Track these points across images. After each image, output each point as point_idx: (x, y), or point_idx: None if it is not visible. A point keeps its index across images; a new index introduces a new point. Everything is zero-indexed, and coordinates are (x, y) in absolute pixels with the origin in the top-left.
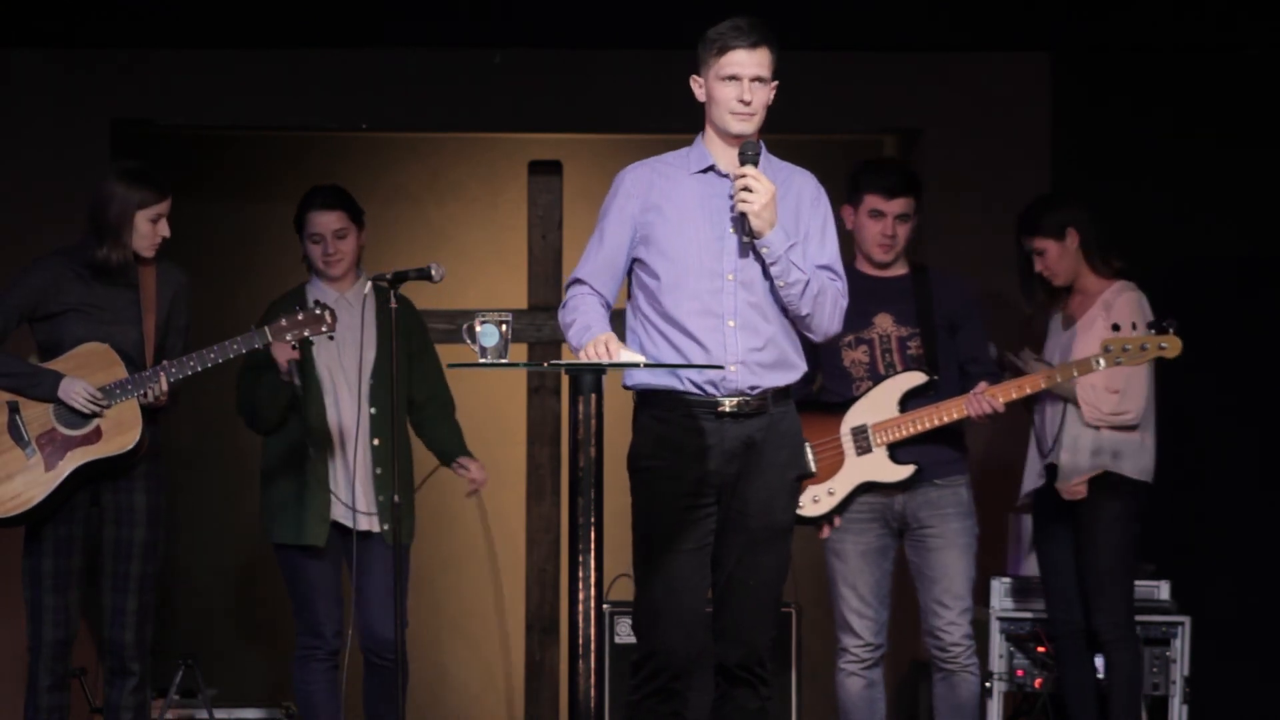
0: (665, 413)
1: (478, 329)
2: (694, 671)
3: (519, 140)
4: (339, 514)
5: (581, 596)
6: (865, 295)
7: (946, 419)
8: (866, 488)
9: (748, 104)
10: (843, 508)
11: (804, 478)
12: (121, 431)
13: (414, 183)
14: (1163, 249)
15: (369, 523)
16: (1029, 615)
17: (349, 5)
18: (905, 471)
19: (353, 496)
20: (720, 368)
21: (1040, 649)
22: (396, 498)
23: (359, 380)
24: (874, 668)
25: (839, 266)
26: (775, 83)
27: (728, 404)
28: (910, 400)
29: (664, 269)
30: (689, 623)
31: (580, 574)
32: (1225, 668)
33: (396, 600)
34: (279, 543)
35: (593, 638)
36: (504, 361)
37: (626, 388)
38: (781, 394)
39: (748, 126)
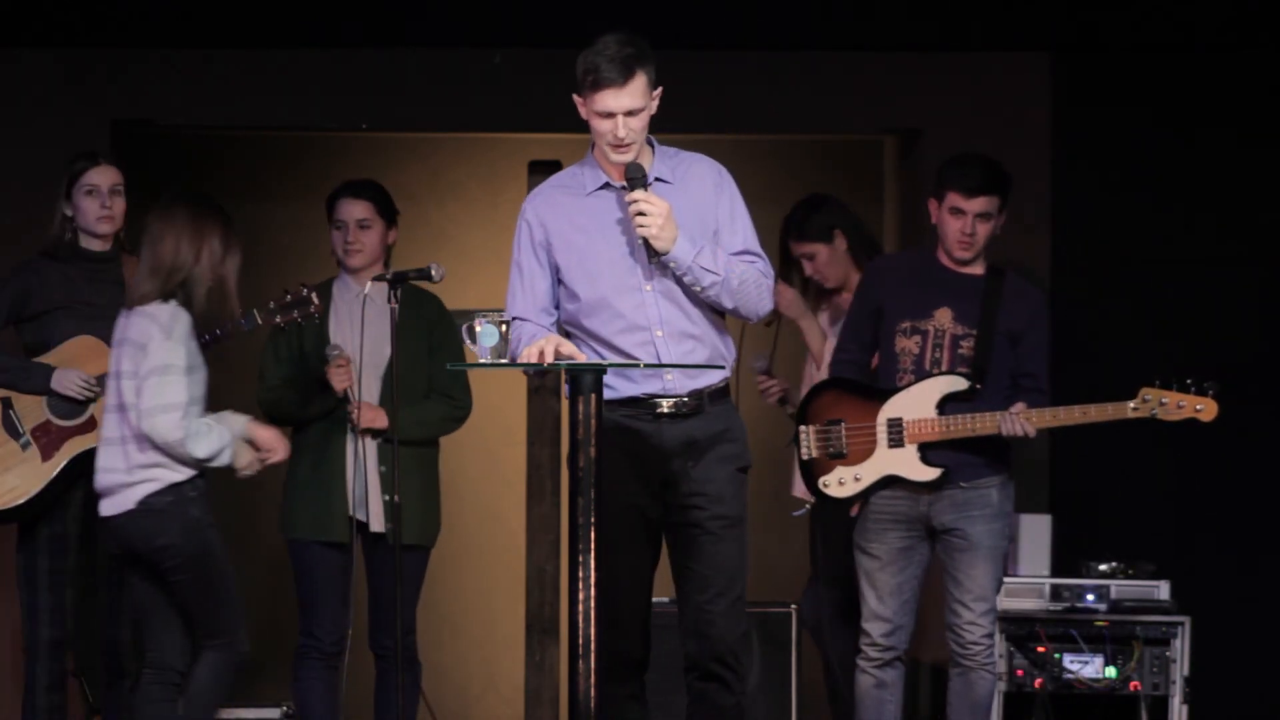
0: (605, 414)
1: (478, 329)
2: (648, 662)
3: (519, 140)
4: (358, 510)
5: (581, 596)
6: (933, 286)
7: (979, 431)
8: (892, 480)
9: (621, 139)
10: (866, 496)
11: (747, 470)
12: None
13: (414, 183)
14: (1162, 249)
15: (376, 522)
16: (1029, 615)
17: (349, 5)
18: (932, 474)
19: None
20: (722, 368)
21: (1040, 649)
22: (397, 498)
23: (375, 378)
24: (885, 668)
25: (755, 245)
26: (658, 92)
27: (665, 404)
28: (949, 403)
29: (583, 291)
30: (635, 620)
31: (580, 574)
32: (1225, 668)
33: (398, 603)
34: (292, 537)
35: (593, 638)
36: (504, 361)
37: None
38: (718, 394)
39: (626, 157)
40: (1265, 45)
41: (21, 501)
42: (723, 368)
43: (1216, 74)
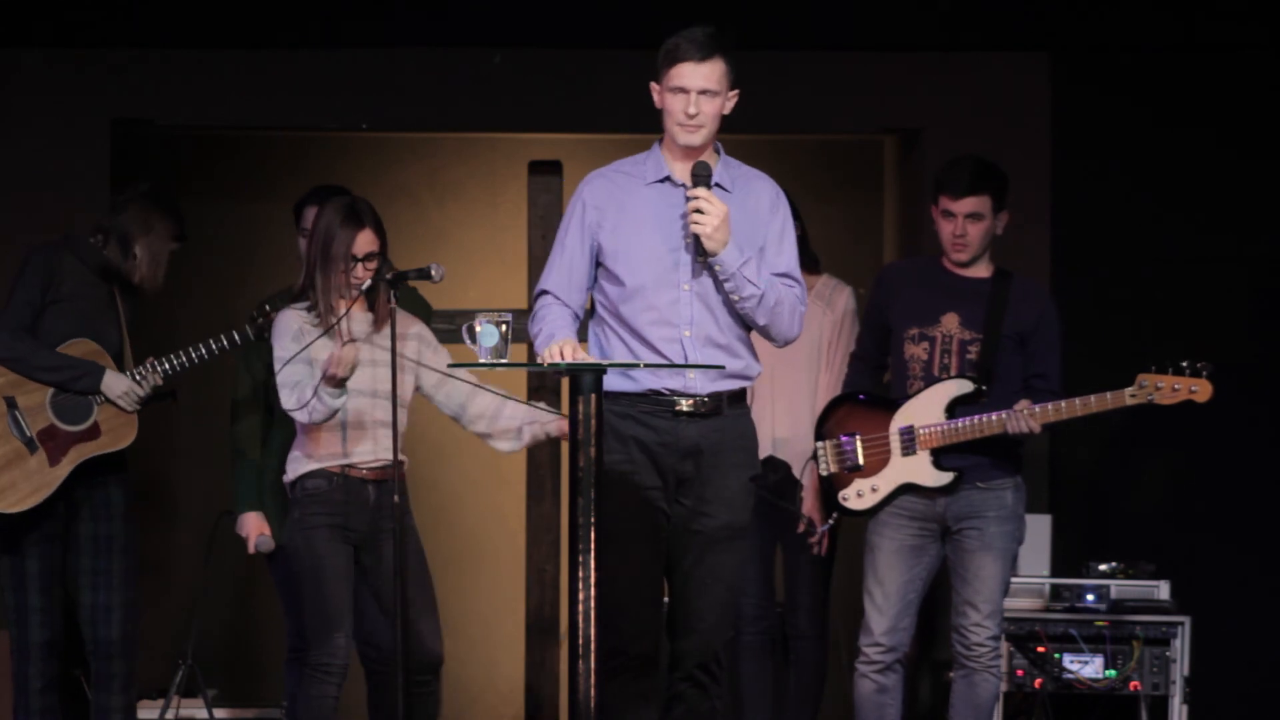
0: (622, 408)
1: (478, 329)
2: (658, 655)
3: (519, 140)
4: None
5: (581, 596)
6: (938, 291)
7: (986, 431)
8: (908, 488)
9: (692, 117)
10: (885, 505)
11: (756, 479)
12: (120, 427)
13: (414, 183)
14: (1161, 249)
15: None
16: (1029, 615)
17: (349, 5)
18: (944, 478)
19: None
20: (721, 367)
21: (1040, 649)
22: (396, 498)
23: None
24: (886, 671)
25: (797, 272)
26: (734, 93)
27: (684, 404)
28: (958, 407)
29: (622, 278)
30: (646, 611)
31: (580, 574)
32: (1225, 668)
33: (398, 601)
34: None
35: (593, 638)
36: (504, 361)
37: None
38: (736, 397)
39: (694, 139)
40: (1264, 45)
41: (31, 506)
42: (723, 367)
43: (1216, 74)
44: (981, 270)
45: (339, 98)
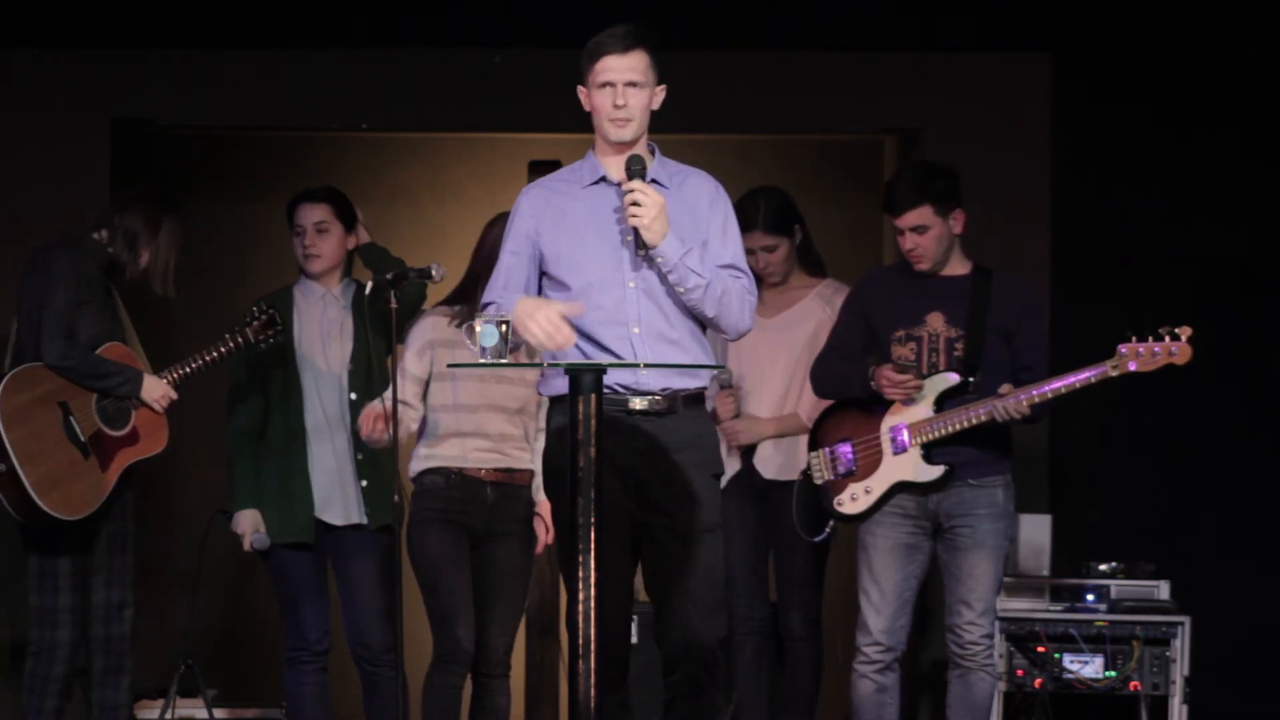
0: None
1: (478, 329)
2: (629, 662)
3: (519, 140)
4: (322, 510)
5: (581, 596)
6: (921, 292)
7: (974, 421)
8: (901, 487)
9: (620, 108)
10: (879, 506)
11: (720, 476)
12: (155, 432)
13: (414, 183)
14: (1161, 249)
15: (351, 513)
16: (1029, 615)
17: (349, 5)
18: (936, 472)
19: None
20: (712, 367)
21: (1040, 649)
22: (396, 497)
23: (342, 373)
24: (886, 671)
25: (743, 263)
26: (661, 87)
27: (638, 402)
28: (946, 401)
29: (567, 282)
30: (617, 615)
31: (580, 574)
32: (1225, 668)
33: (398, 599)
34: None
35: (593, 638)
36: (504, 361)
37: (540, 394)
38: (693, 398)
39: (625, 133)
40: (1265, 45)
41: (91, 511)
42: (714, 367)
43: (1216, 74)
44: (959, 269)
45: (339, 98)
